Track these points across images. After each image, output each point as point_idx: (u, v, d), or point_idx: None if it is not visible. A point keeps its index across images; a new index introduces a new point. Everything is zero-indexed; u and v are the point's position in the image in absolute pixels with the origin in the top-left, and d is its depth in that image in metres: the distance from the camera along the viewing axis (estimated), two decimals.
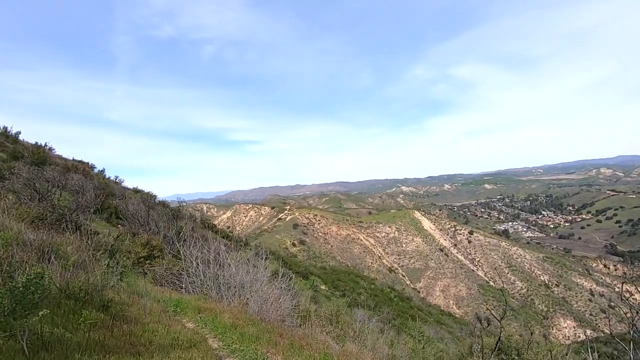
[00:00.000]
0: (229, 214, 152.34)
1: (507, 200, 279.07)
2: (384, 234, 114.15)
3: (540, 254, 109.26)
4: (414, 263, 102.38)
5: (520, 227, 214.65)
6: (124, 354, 2.51)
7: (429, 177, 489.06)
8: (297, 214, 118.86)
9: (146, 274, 7.05)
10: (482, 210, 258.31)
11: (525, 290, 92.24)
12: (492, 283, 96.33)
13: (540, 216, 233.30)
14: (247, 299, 5.26)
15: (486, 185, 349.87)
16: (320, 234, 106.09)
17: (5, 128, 22.55)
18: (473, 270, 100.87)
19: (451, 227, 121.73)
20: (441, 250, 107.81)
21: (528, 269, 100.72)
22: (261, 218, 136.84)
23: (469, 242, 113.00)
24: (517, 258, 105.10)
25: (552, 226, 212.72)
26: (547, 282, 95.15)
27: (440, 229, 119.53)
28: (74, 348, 2.36)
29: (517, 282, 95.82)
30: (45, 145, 25.90)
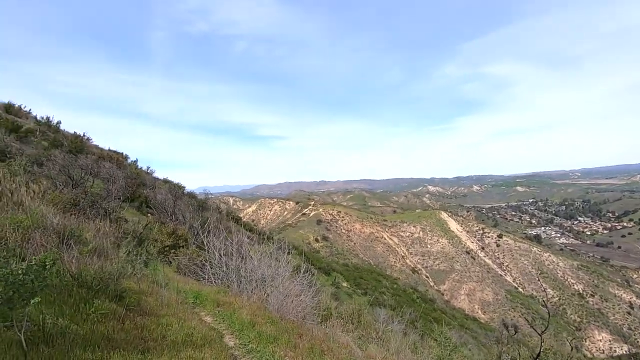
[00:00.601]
0: (254, 207, 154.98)
1: (540, 203, 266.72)
2: (408, 233, 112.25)
3: (574, 262, 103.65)
4: (438, 264, 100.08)
5: (553, 232, 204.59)
6: (131, 351, 2.36)
7: (457, 177, 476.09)
8: (321, 209, 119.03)
9: (171, 263, 7.11)
10: (513, 213, 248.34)
11: (557, 298, 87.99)
12: (520, 289, 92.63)
13: (576, 222, 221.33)
14: (267, 294, 5.15)
15: (518, 188, 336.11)
16: (343, 231, 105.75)
17: (47, 118, 23.81)
18: (501, 275, 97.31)
19: (479, 230, 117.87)
20: (467, 252, 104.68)
21: (561, 276, 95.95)
22: (285, 212, 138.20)
23: (498, 245, 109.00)
24: (549, 265, 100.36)
25: (588, 233, 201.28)
26: (581, 291, 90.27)
27: (468, 231, 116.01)
28: (78, 342, 2.23)
29: (549, 289, 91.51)
30: (84, 135, 27.15)
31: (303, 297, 5.33)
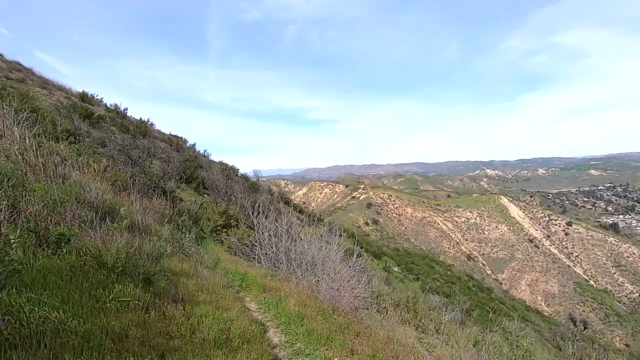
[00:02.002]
0: (304, 190, 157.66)
1: (618, 189, 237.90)
2: (464, 219, 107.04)
3: None
4: (496, 252, 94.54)
5: (634, 221, 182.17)
6: (146, 354, 1.94)
7: (520, 159, 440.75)
8: (371, 193, 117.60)
9: (222, 242, 7.13)
10: (585, 199, 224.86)
11: (637, 294, 79.02)
12: (592, 282, 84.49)
13: None
14: (318, 281, 4.84)
15: (592, 171, 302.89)
16: (394, 215, 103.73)
17: (115, 105, 25.72)
18: (569, 266, 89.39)
19: (544, 216, 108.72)
20: (530, 241, 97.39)
21: None
22: (335, 196, 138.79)
23: (566, 234, 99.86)
24: (628, 257, 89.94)
25: None
26: None
27: (531, 218, 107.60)
28: (74, 341, 1.76)
29: (627, 284, 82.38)
30: (147, 120, 29.02)
31: (356, 284, 4.96)
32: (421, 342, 5.72)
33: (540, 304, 76.44)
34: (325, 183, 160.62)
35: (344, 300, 4.32)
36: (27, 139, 5.05)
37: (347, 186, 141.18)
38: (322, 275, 4.91)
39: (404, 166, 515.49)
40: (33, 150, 4.02)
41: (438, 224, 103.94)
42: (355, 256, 5.33)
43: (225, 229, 7.56)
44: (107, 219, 3.14)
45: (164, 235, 3.76)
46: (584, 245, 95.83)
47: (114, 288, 2.36)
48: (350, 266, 5.18)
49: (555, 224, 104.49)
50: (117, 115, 24.47)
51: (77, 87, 25.52)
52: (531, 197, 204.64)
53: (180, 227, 6.68)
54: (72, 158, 5.98)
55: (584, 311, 73.23)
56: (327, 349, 3.24)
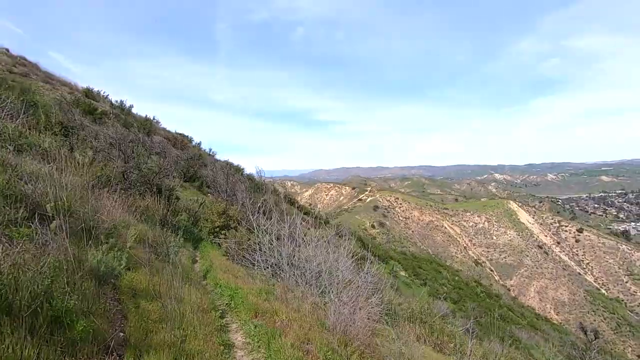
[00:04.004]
0: (311, 191, 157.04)
1: (630, 196, 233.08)
2: (472, 223, 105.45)
3: None
4: (505, 258, 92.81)
5: None
6: None
7: (529, 164, 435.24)
8: (378, 195, 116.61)
9: (220, 245, 6.52)
10: (596, 205, 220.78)
11: None
12: (604, 291, 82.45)
13: None
14: (325, 303, 4.13)
15: (603, 177, 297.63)
16: (401, 218, 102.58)
17: (120, 101, 25.43)
18: (579, 274, 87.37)
19: (554, 222, 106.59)
20: (540, 247, 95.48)
21: None
22: (342, 198, 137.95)
23: (577, 241, 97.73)
24: None
25: None
26: None
27: (541, 224, 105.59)
28: None
29: (639, 293, 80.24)
30: (153, 118, 28.70)
31: (370, 301, 4.27)
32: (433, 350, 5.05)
33: (549, 312, 74.76)
34: (332, 185, 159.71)
35: (358, 323, 3.60)
36: None
37: (353, 188, 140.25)
38: (330, 288, 4.25)
39: (411, 169, 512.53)
40: None
41: (445, 228, 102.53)
42: (367, 265, 4.67)
43: (223, 231, 6.97)
44: (48, 220, 2.47)
45: (129, 239, 3.08)
46: (595, 253, 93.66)
47: None
48: (363, 278, 4.50)
49: (566, 230, 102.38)
50: (122, 112, 24.12)
51: (85, 84, 25.24)
52: (540, 202, 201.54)
53: (173, 228, 6.08)
54: (53, 149, 5.45)
55: (594, 320, 71.43)
56: None
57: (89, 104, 19.29)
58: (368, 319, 3.79)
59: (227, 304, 3.90)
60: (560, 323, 66.82)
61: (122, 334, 2.23)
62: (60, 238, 2.10)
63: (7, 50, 23.13)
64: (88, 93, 23.14)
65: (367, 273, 4.44)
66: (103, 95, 25.91)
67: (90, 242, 2.52)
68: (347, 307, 3.42)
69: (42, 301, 1.79)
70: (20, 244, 1.98)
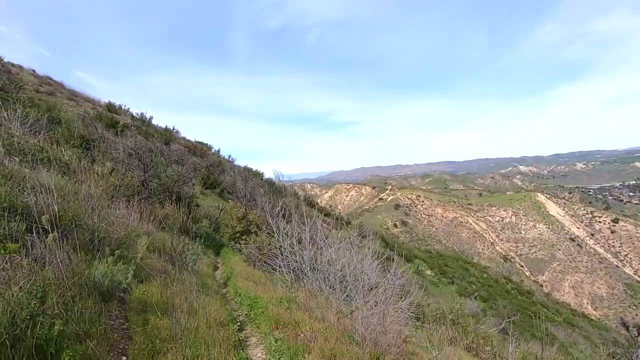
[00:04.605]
0: (330, 193, 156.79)
1: None
2: (498, 218, 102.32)
3: None
4: (535, 252, 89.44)
5: None
6: None
7: (555, 154, 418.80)
8: (398, 194, 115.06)
9: (241, 251, 6.42)
10: (631, 194, 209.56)
11: None
12: None
13: None
14: (352, 311, 3.88)
15: (637, 164, 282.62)
16: (423, 216, 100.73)
17: (141, 114, 26.09)
18: (617, 266, 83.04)
19: (587, 214, 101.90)
20: (572, 240, 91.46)
21: None
22: (362, 198, 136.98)
23: (612, 232, 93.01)
24: None
25: None
26: None
27: (572, 215, 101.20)
28: None
29: None
30: (173, 128, 29.33)
31: (400, 305, 4.00)
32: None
33: (586, 308, 71.37)
34: (352, 185, 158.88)
35: (389, 334, 3.31)
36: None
37: (373, 188, 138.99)
38: (355, 292, 4.02)
39: (431, 166, 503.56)
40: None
41: (470, 224, 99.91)
42: (394, 265, 4.39)
43: (244, 236, 6.87)
44: (52, 232, 2.34)
45: (140, 249, 2.92)
46: (633, 244, 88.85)
47: None
48: (390, 280, 4.23)
49: (600, 221, 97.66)
50: (143, 123, 24.74)
51: (108, 99, 26.06)
52: (570, 193, 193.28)
53: (194, 235, 6.00)
54: (74, 161, 5.49)
55: (637, 315, 67.66)
56: None
57: (111, 117, 19.84)
58: (399, 325, 3.53)
59: (246, 314, 3.71)
60: (599, 319, 63.64)
61: (124, 358, 2.02)
62: (60, 252, 1.97)
63: (34, 71, 24.20)
64: (110, 107, 23.86)
65: (394, 274, 4.19)
66: (124, 109, 26.67)
67: (98, 254, 2.43)
68: (376, 316, 3.16)
69: (26, 327, 1.55)
70: (6, 260, 1.82)
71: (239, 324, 3.43)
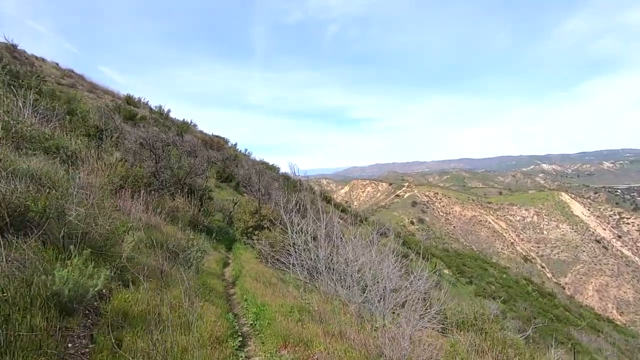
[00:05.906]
0: (346, 189, 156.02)
1: None
2: (519, 217, 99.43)
3: None
4: (557, 254, 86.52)
5: None
6: None
7: (581, 152, 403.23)
8: (415, 191, 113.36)
9: (253, 246, 6.13)
10: None
11: None
12: None
13: None
14: (376, 328, 3.46)
15: None
16: (441, 214, 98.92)
17: (159, 107, 26.30)
18: None
19: (614, 215, 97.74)
20: (598, 241, 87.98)
21: None
22: (378, 194, 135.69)
23: None
24: None
25: None
26: None
27: (598, 216, 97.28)
28: None
29: None
30: (190, 121, 29.48)
31: (429, 312, 3.61)
32: None
33: (611, 312, 68.63)
34: (368, 181, 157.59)
35: (417, 348, 2.88)
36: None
37: (390, 184, 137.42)
38: (374, 296, 3.63)
39: (449, 162, 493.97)
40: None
41: (490, 222, 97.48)
42: (419, 268, 3.97)
43: (256, 231, 6.58)
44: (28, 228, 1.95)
45: (127, 247, 2.55)
46: None
47: None
48: (414, 285, 3.82)
49: (628, 223, 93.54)
50: (160, 116, 24.92)
51: (127, 92, 26.36)
52: (596, 193, 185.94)
53: (205, 229, 5.73)
54: (82, 150, 5.30)
55: None
56: None
57: (129, 110, 20.00)
58: (428, 336, 3.13)
59: (251, 324, 3.23)
60: (626, 324, 61.05)
61: None
62: (14, 252, 1.64)
63: (57, 64, 24.68)
64: (129, 100, 24.12)
65: (417, 278, 3.78)
66: (143, 102, 26.94)
67: (74, 254, 2.07)
68: (407, 338, 2.69)
69: None
70: None
71: (240, 338, 2.92)
